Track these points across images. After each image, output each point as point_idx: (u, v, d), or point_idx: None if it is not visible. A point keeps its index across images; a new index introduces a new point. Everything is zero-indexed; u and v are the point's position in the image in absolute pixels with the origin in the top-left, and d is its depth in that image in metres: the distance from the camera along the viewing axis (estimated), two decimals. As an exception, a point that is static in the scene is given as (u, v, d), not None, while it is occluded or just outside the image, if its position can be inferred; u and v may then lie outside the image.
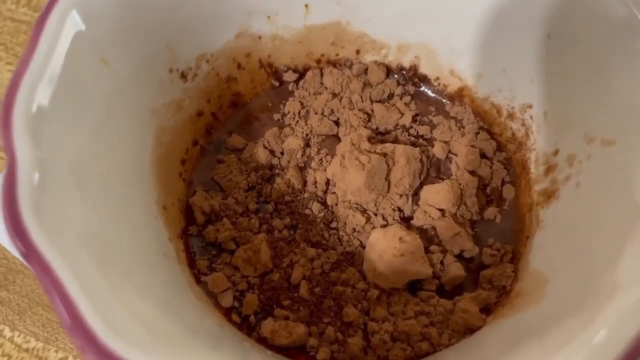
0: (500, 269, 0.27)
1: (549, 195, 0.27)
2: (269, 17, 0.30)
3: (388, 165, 0.28)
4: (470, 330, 0.25)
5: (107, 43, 0.24)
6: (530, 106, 0.28)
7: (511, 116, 0.30)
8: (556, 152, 0.27)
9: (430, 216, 0.28)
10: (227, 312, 0.26)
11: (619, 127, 0.23)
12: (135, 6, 0.25)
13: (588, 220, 0.23)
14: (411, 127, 0.32)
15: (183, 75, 0.29)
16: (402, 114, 0.32)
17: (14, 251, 0.31)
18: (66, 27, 0.22)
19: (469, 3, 0.28)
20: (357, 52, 0.33)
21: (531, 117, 0.28)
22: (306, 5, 0.30)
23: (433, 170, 0.30)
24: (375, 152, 0.28)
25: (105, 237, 0.21)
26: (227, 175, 0.30)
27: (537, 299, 0.23)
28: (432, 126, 0.32)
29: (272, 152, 0.31)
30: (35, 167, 0.19)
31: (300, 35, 0.32)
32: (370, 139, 0.30)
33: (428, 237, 0.28)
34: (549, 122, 0.27)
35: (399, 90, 0.33)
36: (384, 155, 0.28)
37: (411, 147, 0.29)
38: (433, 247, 0.27)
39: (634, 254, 0.18)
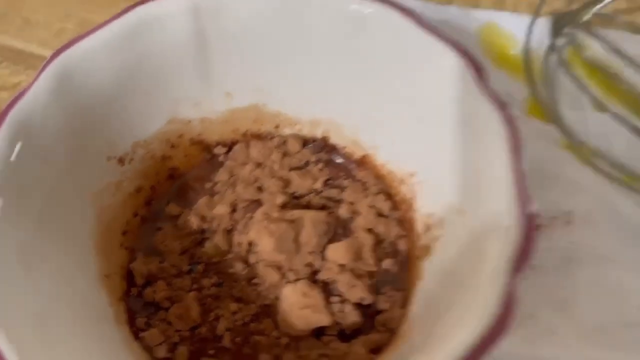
0: (392, 314, 0.32)
1: (427, 250, 0.32)
2: (195, 104, 0.36)
3: (296, 230, 0.33)
4: (361, 369, 0.30)
5: (50, 147, 0.29)
6: (413, 174, 0.34)
7: (401, 181, 0.35)
8: (431, 215, 0.32)
9: (332, 271, 0.33)
10: (161, 364, 0.31)
11: (472, 199, 0.28)
12: (75, 116, 0.30)
13: (447, 274, 0.28)
14: (322, 190, 0.37)
15: (120, 161, 0.34)
16: (316, 179, 0.37)
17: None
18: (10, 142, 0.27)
19: (359, 87, 0.34)
20: (277, 126, 0.38)
21: (415, 183, 0.34)
22: (227, 94, 0.36)
23: (340, 229, 0.35)
24: (283, 220, 0.33)
25: (49, 316, 0.26)
26: (164, 242, 0.35)
27: (407, 338, 0.28)
28: (342, 189, 0.37)
29: (203, 218, 0.36)
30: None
31: (225, 116, 0.37)
32: (285, 205, 0.35)
33: (330, 289, 0.33)
34: (424, 189, 0.33)
35: (313, 158, 0.38)
36: (292, 222, 0.33)
37: (317, 212, 0.34)
38: (333, 298, 0.32)
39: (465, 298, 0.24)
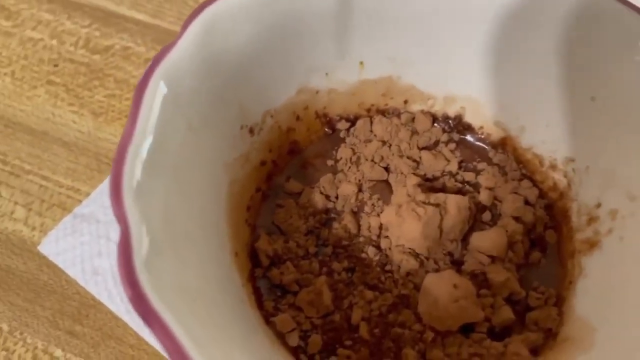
0: (546, 312, 0.29)
1: (591, 244, 0.29)
2: (327, 74, 0.33)
3: (441, 214, 0.30)
4: (521, 372, 0.27)
5: (192, 109, 0.26)
6: (573, 160, 0.30)
7: (553, 167, 0.32)
8: (598, 205, 0.29)
9: (480, 262, 0.30)
10: (294, 351, 0.29)
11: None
12: (216, 73, 0.27)
13: (634, 275, 0.25)
14: (457, 173, 0.34)
15: (251, 131, 0.31)
16: (448, 160, 0.34)
17: (91, 288, 0.33)
18: (157, 98, 0.24)
19: (514, 64, 0.30)
20: (405, 102, 0.35)
21: (573, 170, 0.31)
22: (361, 63, 0.33)
23: (479, 215, 0.32)
24: (430, 203, 0.30)
25: (196, 292, 0.23)
26: (287, 220, 0.33)
27: (586, 346, 0.25)
28: (477, 172, 0.34)
29: (327, 197, 0.34)
30: (143, 235, 0.21)
31: (353, 88, 0.34)
32: (420, 186, 0.32)
33: (479, 282, 0.30)
34: (590, 176, 0.29)
35: (444, 138, 0.35)
36: (437, 205, 0.30)
37: (461, 196, 0.31)
38: (483, 292, 0.29)
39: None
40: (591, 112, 0.28)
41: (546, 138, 0.32)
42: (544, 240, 0.32)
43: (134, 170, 0.23)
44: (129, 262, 0.21)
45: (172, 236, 0.24)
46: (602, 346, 0.24)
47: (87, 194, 0.38)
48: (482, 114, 0.34)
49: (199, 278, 0.24)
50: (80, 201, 0.38)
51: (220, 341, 0.22)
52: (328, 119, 0.35)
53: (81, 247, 0.35)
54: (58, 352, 0.34)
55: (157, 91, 0.24)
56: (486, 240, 0.30)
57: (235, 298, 0.27)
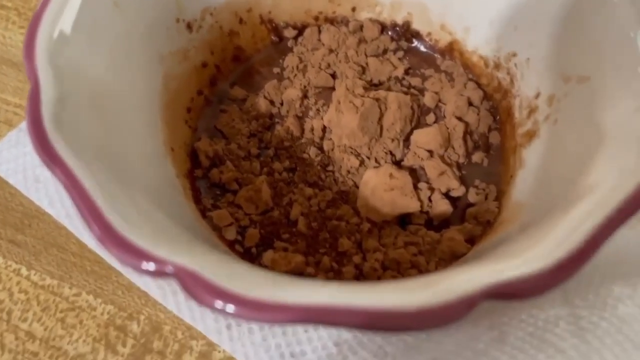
0: (485, 207, 0.29)
1: (530, 135, 0.28)
2: (269, -27, 0.32)
3: (381, 109, 0.30)
4: (455, 257, 0.27)
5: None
6: (515, 54, 0.30)
7: (497, 66, 0.31)
8: (537, 95, 0.28)
9: (419, 157, 0.30)
10: (230, 244, 0.28)
11: (592, 65, 0.25)
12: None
13: (562, 149, 0.25)
14: (404, 78, 0.34)
15: (189, 26, 0.31)
16: (395, 67, 0.34)
17: (31, 195, 0.33)
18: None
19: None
20: (353, 9, 0.35)
21: (515, 65, 0.30)
22: (305, -38, 0.32)
23: (423, 118, 0.32)
24: (368, 97, 0.30)
25: (118, 158, 0.23)
26: (230, 123, 0.32)
27: (515, 220, 0.24)
28: (424, 78, 0.34)
29: (272, 102, 0.33)
30: (56, 89, 0.21)
31: (299, -9, 0.34)
32: (364, 88, 0.32)
33: (417, 176, 0.30)
34: (531, 68, 0.29)
35: (392, 46, 0.35)
36: (377, 99, 0.30)
37: (402, 94, 0.31)
38: (421, 185, 0.29)
39: (598, 168, 0.20)
40: (529, 1, 0.28)
41: (490, 37, 0.31)
42: (487, 141, 0.31)
43: (51, 31, 0.22)
44: (36, 111, 0.20)
45: (99, 104, 0.23)
46: (525, 216, 0.24)
47: (34, 111, 0.38)
48: (428, 20, 0.34)
49: (124, 150, 0.24)
50: (26, 117, 0.38)
51: (135, 205, 0.21)
52: (274, 25, 0.35)
53: (24, 158, 0.35)
54: (-2, 260, 0.33)
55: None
56: (425, 135, 0.30)
57: (166, 183, 0.26)
